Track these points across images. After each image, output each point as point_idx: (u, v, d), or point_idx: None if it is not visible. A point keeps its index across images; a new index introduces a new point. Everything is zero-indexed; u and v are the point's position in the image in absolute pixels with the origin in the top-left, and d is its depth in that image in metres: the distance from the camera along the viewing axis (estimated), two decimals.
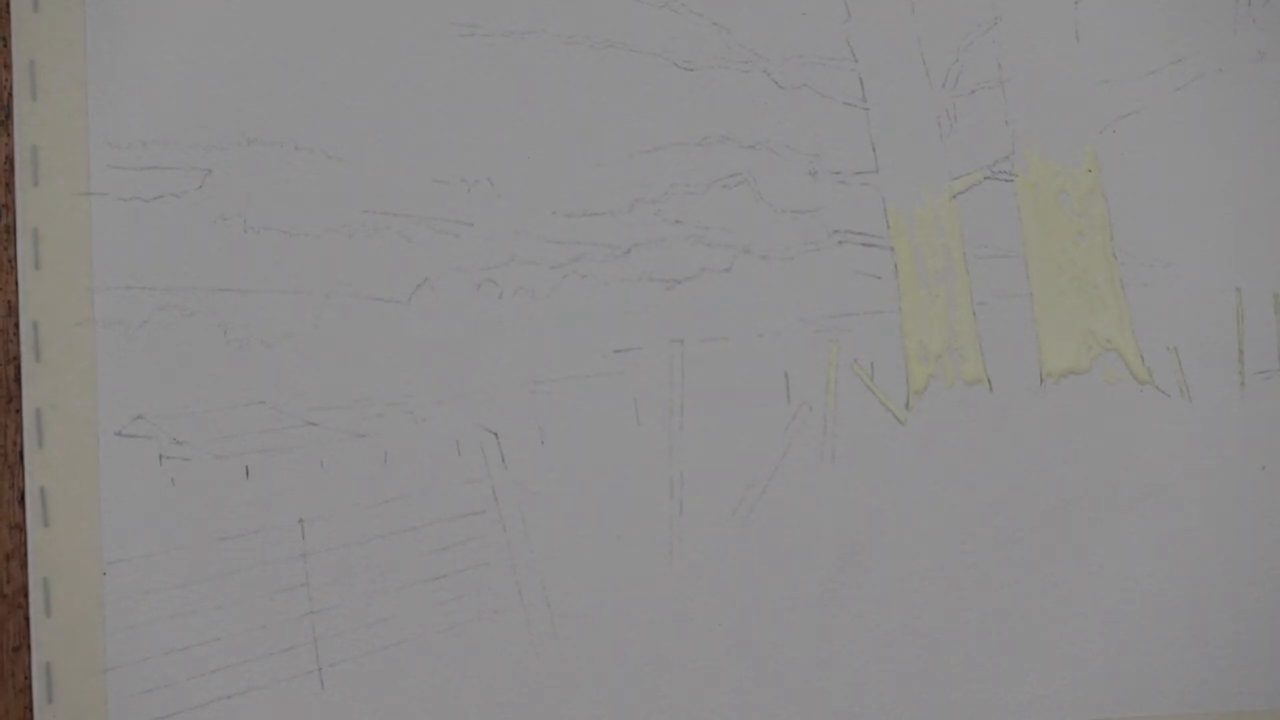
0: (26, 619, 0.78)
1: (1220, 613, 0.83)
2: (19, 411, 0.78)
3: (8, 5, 0.78)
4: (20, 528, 0.78)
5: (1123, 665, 0.83)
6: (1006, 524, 0.83)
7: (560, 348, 0.81)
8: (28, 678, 0.78)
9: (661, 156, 0.82)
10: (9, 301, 0.78)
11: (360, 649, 0.80)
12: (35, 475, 0.78)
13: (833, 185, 0.82)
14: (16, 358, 0.78)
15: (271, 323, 0.80)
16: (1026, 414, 0.83)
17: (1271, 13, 0.84)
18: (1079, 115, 0.83)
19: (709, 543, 0.82)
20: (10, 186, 0.78)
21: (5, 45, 0.78)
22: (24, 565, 0.78)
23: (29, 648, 0.78)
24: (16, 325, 0.78)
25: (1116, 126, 0.83)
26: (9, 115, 0.78)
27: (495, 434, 0.81)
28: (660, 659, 0.81)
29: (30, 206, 0.78)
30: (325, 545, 0.80)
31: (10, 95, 0.78)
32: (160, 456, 0.79)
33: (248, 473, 0.79)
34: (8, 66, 0.78)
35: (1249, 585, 0.83)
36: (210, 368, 0.79)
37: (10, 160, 0.78)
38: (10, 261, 0.78)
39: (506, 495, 0.81)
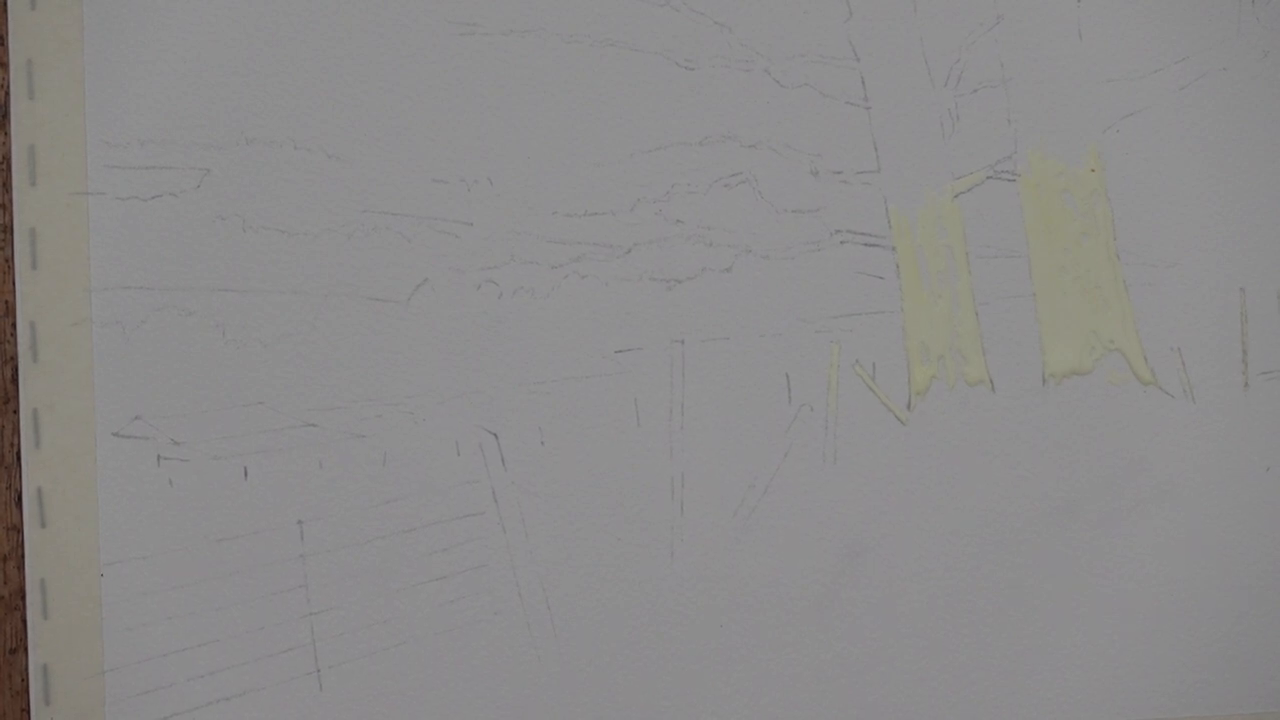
0: (24, 620, 0.78)
1: (1224, 614, 0.83)
2: (16, 412, 0.78)
3: (5, 4, 0.78)
4: (17, 529, 0.78)
5: (1125, 667, 0.83)
6: (1008, 525, 0.83)
7: (560, 348, 0.81)
8: (25, 679, 0.78)
9: (662, 156, 0.81)
10: (6, 301, 0.78)
11: (359, 651, 0.80)
12: (32, 476, 0.78)
13: (834, 185, 0.82)
14: (14, 358, 0.78)
15: (270, 323, 0.79)
16: (1029, 415, 0.83)
17: (1275, 11, 0.84)
18: (1082, 114, 0.83)
19: (709, 543, 0.82)
20: (7, 186, 0.78)
21: (2, 44, 0.78)
22: (21, 566, 0.78)
23: (26, 649, 0.78)
24: (14, 325, 0.78)
25: (1120, 126, 0.83)
26: (6, 114, 0.78)
27: (495, 435, 0.80)
28: (660, 659, 0.81)
29: (27, 206, 0.78)
30: (324, 546, 0.80)
31: (7, 94, 0.78)
32: (158, 457, 0.79)
33: (246, 473, 0.79)
34: (4, 65, 0.78)
35: (1253, 587, 0.83)
36: (208, 368, 0.79)
37: (7, 160, 0.78)
38: (7, 261, 0.78)
39: (506, 496, 0.81)
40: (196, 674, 0.79)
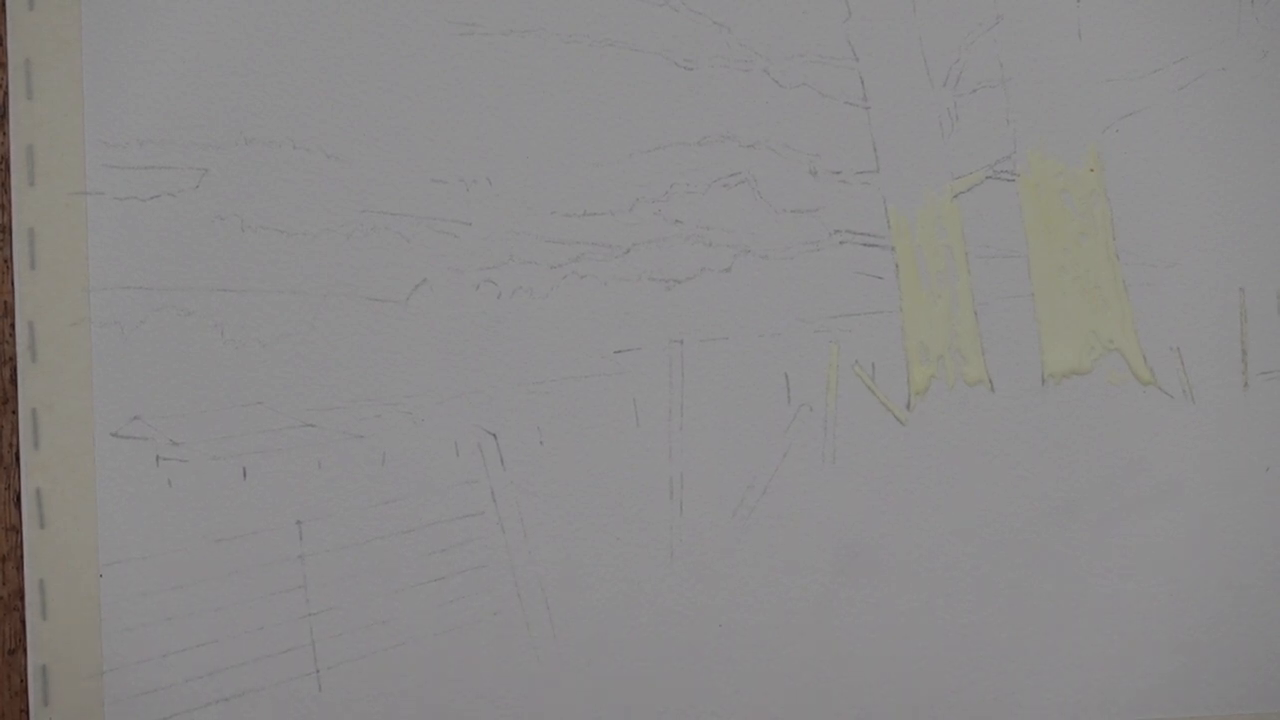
0: (22, 621, 0.78)
1: (1224, 614, 0.83)
2: (15, 412, 0.78)
3: (3, 4, 0.78)
4: (16, 529, 0.78)
5: (1124, 667, 0.83)
6: (1007, 525, 0.83)
7: (560, 348, 0.81)
8: (24, 680, 0.78)
9: (661, 156, 0.81)
10: (5, 302, 0.78)
11: (358, 651, 0.80)
12: (31, 476, 0.78)
13: (833, 185, 0.82)
14: (12, 358, 0.78)
15: (269, 323, 0.79)
16: (1028, 415, 0.83)
17: (1275, 11, 0.84)
18: (1081, 114, 0.83)
19: (709, 543, 0.82)
20: (6, 186, 0.78)
21: (1, 44, 0.78)
22: (20, 567, 0.78)
23: (25, 650, 0.78)
24: (12, 325, 0.78)
25: (1119, 125, 0.83)
26: (4, 114, 0.78)
27: (494, 435, 0.80)
28: (660, 659, 0.81)
29: (26, 206, 0.78)
30: (323, 547, 0.80)
31: (6, 94, 0.78)
32: (157, 457, 0.79)
33: (245, 474, 0.79)
34: (3, 66, 0.78)
35: (1253, 587, 0.83)
36: (207, 368, 0.79)
37: (6, 160, 0.78)
38: (6, 261, 0.78)
39: (505, 496, 0.81)
40: (196, 674, 0.79)
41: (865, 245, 0.82)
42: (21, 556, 0.78)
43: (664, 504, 0.81)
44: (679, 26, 0.82)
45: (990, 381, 0.83)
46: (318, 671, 0.80)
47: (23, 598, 0.78)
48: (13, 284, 0.78)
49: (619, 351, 0.81)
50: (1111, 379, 0.83)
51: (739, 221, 0.82)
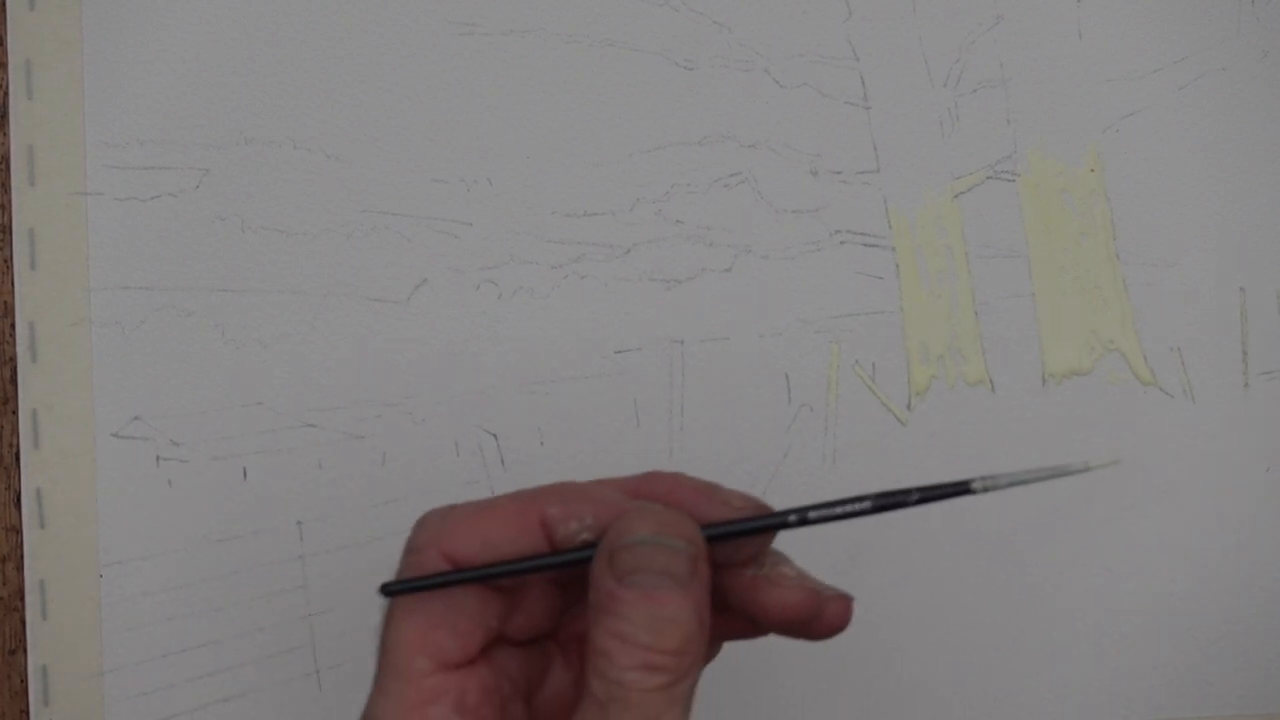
0: (23, 621, 0.78)
1: (1224, 614, 0.83)
2: (15, 412, 0.78)
3: (3, 4, 0.78)
4: (16, 529, 0.78)
5: (1125, 667, 0.83)
6: (1007, 525, 0.83)
7: (560, 348, 0.81)
8: (24, 680, 0.78)
9: (661, 156, 0.81)
10: (5, 302, 0.78)
11: (358, 651, 0.80)
12: (32, 476, 0.78)
13: (834, 185, 0.82)
14: (13, 358, 0.78)
15: (269, 323, 0.79)
16: (1029, 415, 0.83)
17: (1275, 11, 0.84)
18: (1081, 114, 0.83)
19: None
20: (6, 186, 0.78)
21: (1, 44, 0.78)
22: (20, 567, 0.78)
23: (25, 650, 0.78)
24: (13, 326, 0.78)
25: (1119, 126, 0.83)
26: (5, 115, 0.78)
27: (494, 435, 0.80)
28: None
29: (26, 206, 0.78)
30: (323, 547, 0.80)
31: (6, 94, 0.78)
32: (157, 458, 0.79)
33: (245, 474, 0.79)
34: (3, 66, 0.78)
35: (1253, 587, 0.83)
36: (207, 368, 0.79)
37: (6, 160, 0.78)
38: (6, 262, 0.78)
39: None
40: (196, 675, 0.79)
41: (866, 245, 0.82)
42: (22, 556, 0.78)
43: None
44: (679, 26, 0.81)
45: (990, 381, 0.83)
46: (318, 671, 0.80)
47: (23, 598, 0.78)
48: (13, 284, 0.78)
49: (619, 351, 0.81)
50: (1111, 379, 0.83)
51: (739, 221, 0.82)
